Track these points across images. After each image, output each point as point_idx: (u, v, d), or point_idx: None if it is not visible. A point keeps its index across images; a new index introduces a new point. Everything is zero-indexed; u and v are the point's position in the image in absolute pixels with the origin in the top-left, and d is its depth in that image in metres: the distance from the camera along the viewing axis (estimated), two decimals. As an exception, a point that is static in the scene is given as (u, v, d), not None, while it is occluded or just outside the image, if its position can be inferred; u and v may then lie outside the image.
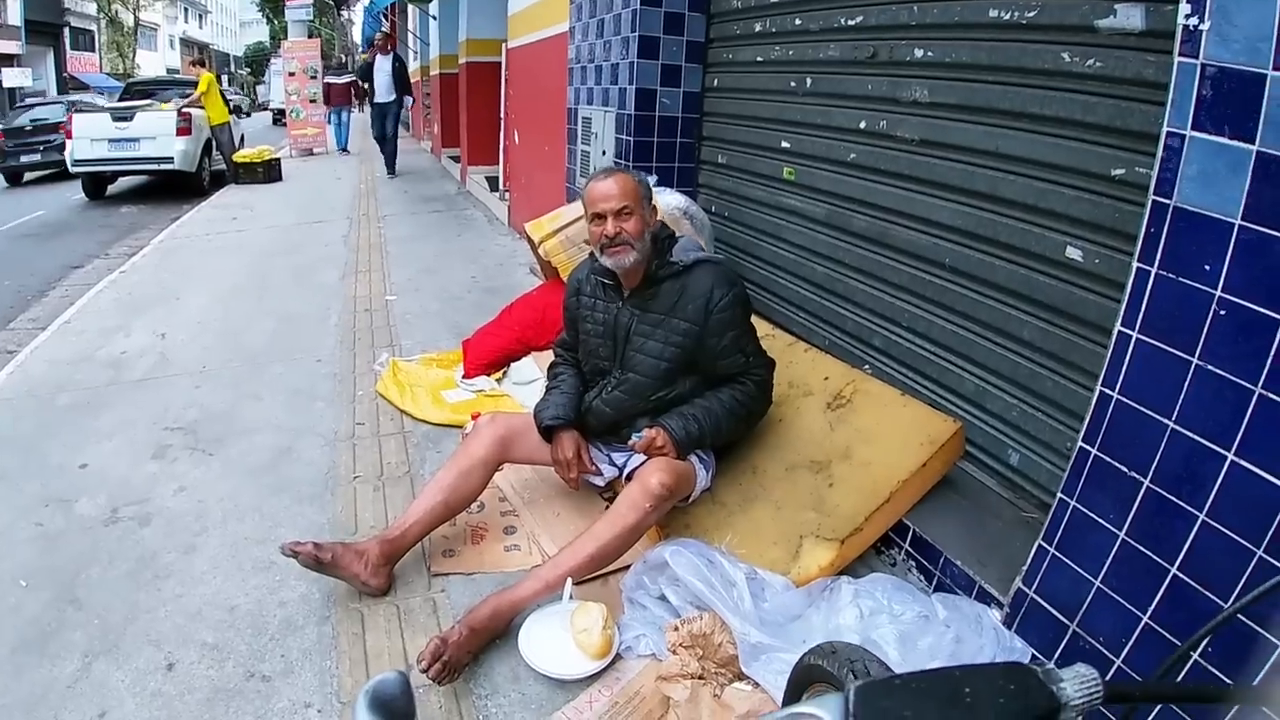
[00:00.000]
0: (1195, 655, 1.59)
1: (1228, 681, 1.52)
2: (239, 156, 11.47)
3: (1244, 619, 1.47)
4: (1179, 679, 1.56)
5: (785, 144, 3.62)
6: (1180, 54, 1.53)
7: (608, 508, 2.74)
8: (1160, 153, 1.59)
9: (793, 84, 3.50)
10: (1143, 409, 1.69)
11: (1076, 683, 0.75)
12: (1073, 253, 2.27)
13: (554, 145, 5.80)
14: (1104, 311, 2.18)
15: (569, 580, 2.22)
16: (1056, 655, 1.94)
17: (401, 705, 0.82)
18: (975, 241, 2.63)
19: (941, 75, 2.69)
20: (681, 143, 4.39)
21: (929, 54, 2.73)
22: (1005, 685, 0.74)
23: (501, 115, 8.46)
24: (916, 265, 2.90)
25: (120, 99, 13.24)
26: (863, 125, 3.09)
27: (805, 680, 1.47)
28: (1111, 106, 2.11)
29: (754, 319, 2.63)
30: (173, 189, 10.91)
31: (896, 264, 3.00)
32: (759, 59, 3.76)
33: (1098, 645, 1.83)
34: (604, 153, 4.68)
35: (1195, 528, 1.60)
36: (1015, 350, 2.54)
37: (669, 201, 3.69)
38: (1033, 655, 1.99)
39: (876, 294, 3.13)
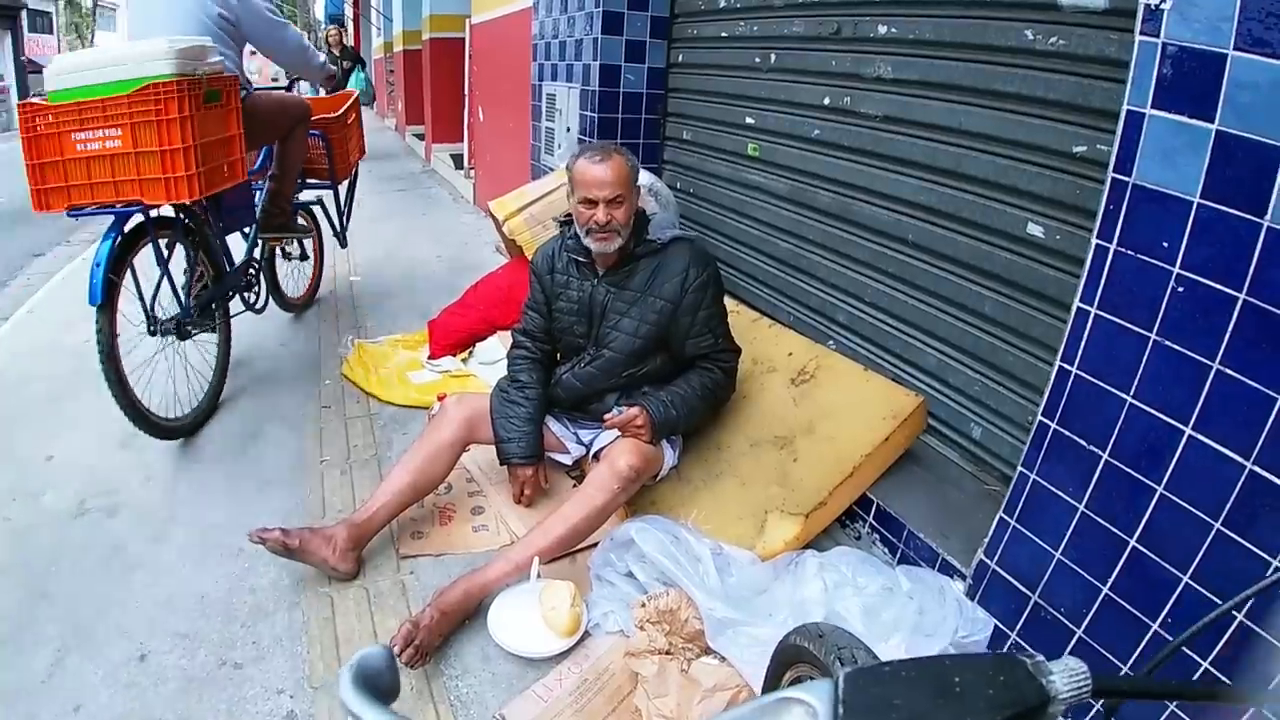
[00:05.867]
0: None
1: (1225, 679, 1.53)
2: None
3: (1238, 615, 1.48)
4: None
5: (749, 120, 3.61)
6: (1141, 33, 1.54)
7: (575, 486, 2.76)
8: (1120, 130, 1.60)
9: (757, 60, 3.49)
10: (1101, 384, 1.71)
11: (1066, 676, 0.74)
12: (1034, 229, 2.29)
13: (518, 122, 5.75)
14: (1064, 287, 2.21)
15: (536, 560, 2.22)
16: (1018, 626, 1.97)
17: (387, 680, 0.81)
18: (938, 217, 2.64)
19: (905, 51, 2.69)
20: (646, 119, 4.36)
21: (893, 30, 2.73)
22: (995, 676, 0.73)
23: (466, 92, 8.37)
24: (880, 241, 2.91)
25: None
26: (826, 101, 3.09)
27: (789, 660, 1.47)
28: (1074, 84, 2.12)
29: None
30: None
31: (860, 240, 3.01)
32: (723, 34, 3.74)
33: (1059, 616, 1.86)
34: (568, 129, 4.64)
35: (1154, 501, 1.62)
36: (977, 325, 2.56)
37: (636, 178, 3.68)
38: (995, 626, 2.02)
39: (840, 269, 3.14)
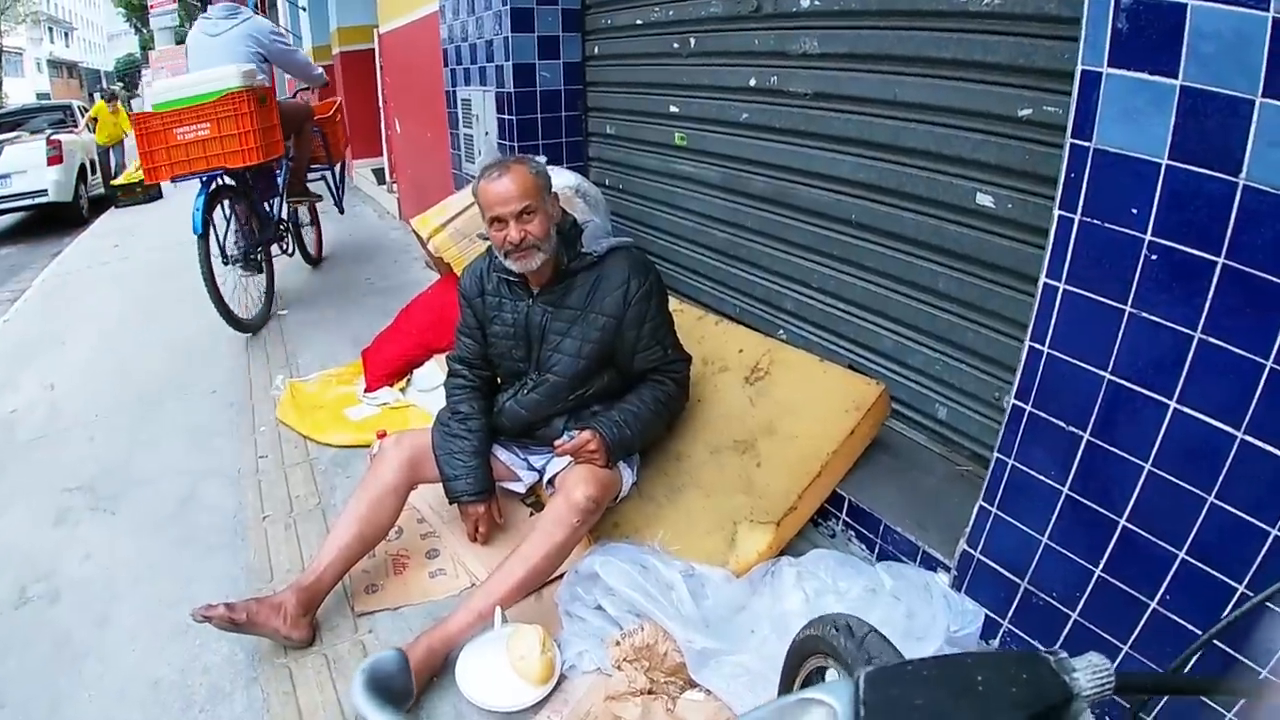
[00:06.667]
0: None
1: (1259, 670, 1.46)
2: (116, 180, 10.89)
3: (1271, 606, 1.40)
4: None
5: (674, 108, 3.49)
6: (1091, -15, 1.44)
7: (532, 515, 2.63)
8: (1076, 92, 1.51)
9: (676, 45, 3.36)
10: (1076, 362, 1.64)
11: (1089, 672, 0.75)
12: (983, 199, 2.19)
13: (436, 131, 5.59)
14: (1019, 257, 2.13)
15: (499, 609, 2.08)
16: (1010, 614, 1.91)
17: (400, 683, 0.86)
18: (880, 194, 2.54)
19: (830, 24, 2.58)
20: (567, 116, 4.22)
21: (816, 3, 2.61)
22: (1018, 674, 0.74)
23: (381, 104, 8.18)
24: (821, 223, 2.81)
25: None
26: (753, 83, 2.97)
27: (804, 652, 1.44)
28: (1013, 45, 2.02)
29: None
30: (51, 222, 10.26)
31: (800, 224, 2.90)
32: (639, 21, 3.60)
33: (1051, 601, 1.80)
34: (486, 133, 4.48)
35: (1142, 478, 1.56)
36: (931, 303, 2.47)
37: (560, 181, 3.51)
38: (986, 616, 1.96)
39: (783, 256, 3.03)
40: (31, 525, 2.95)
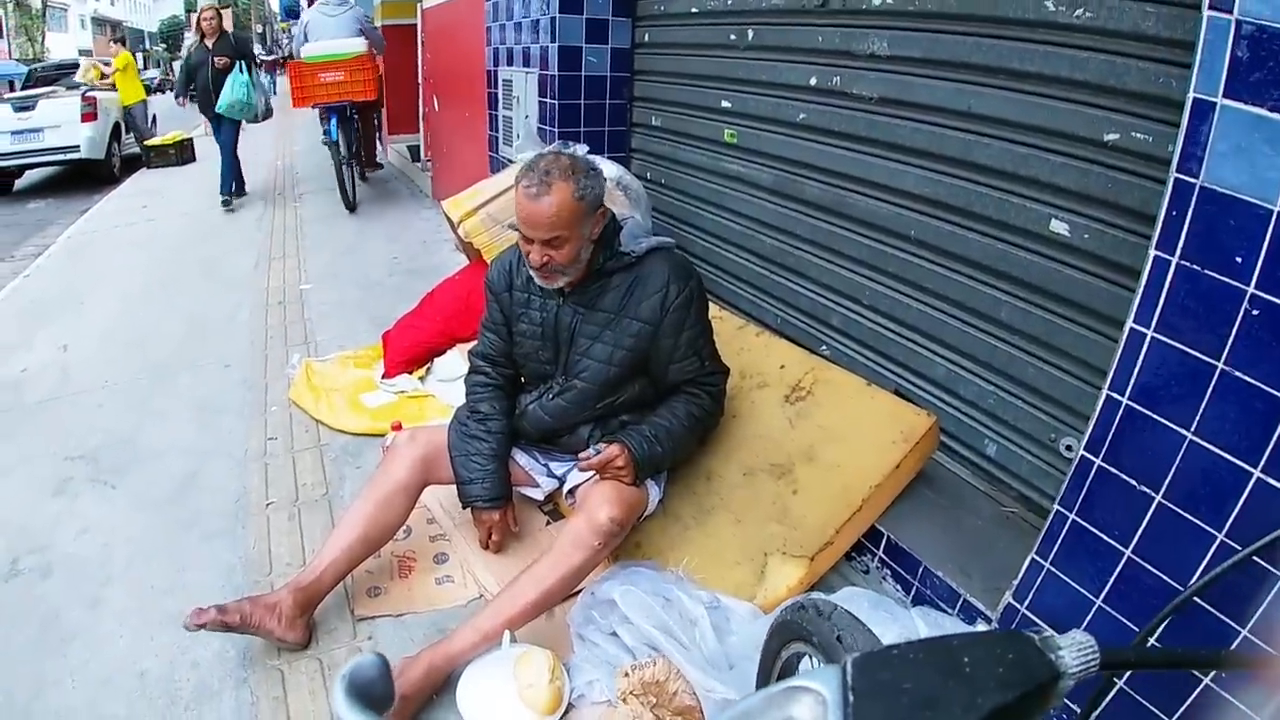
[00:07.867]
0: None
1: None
2: (149, 141, 10.88)
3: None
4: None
5: (726, 104, 3.34)
6: (1211, 7, 1.29)
7: (548, 523, 2.51)
8: (1185, 123, 1.35)
9: (733, 37, 3.22)
10: (1157, 417, 1.48)
11: (1074, 650, 0.76)
12: (1058, 226, 2.04)
13: (475, 111, 5.48)
14: (1092, 291, 1.99)
15: (508, 633, 1.96)
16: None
17: (380, 690, 0.84)
18: (945, 212, 2.39)
19: (903, 25, 2.42)
20: (611, 104, 4.09)
21: (888, 1, 2.46)
22: (1004, 654, 0.75)
23: (420, 80, 8.10)
24: (878, 237, 2.66)
25: (24, 87, 12.48)
26: (813, 82, 2.82)
27: (781, 639, 1.44)
28: (1104, 63, 1.86)
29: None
30: (83, 178, 10.29)
31: (855, 236, 2.75)
32: (694, 10, 3.46)
33: (1099, 667, 1.64)
34: (526, 117, 4.36)
35: (1213, 548, 1.42)
36: (991, 332, 2.32)
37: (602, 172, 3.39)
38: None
39: (833, 269, 2.88)
40: (31, 494, 2.88)
